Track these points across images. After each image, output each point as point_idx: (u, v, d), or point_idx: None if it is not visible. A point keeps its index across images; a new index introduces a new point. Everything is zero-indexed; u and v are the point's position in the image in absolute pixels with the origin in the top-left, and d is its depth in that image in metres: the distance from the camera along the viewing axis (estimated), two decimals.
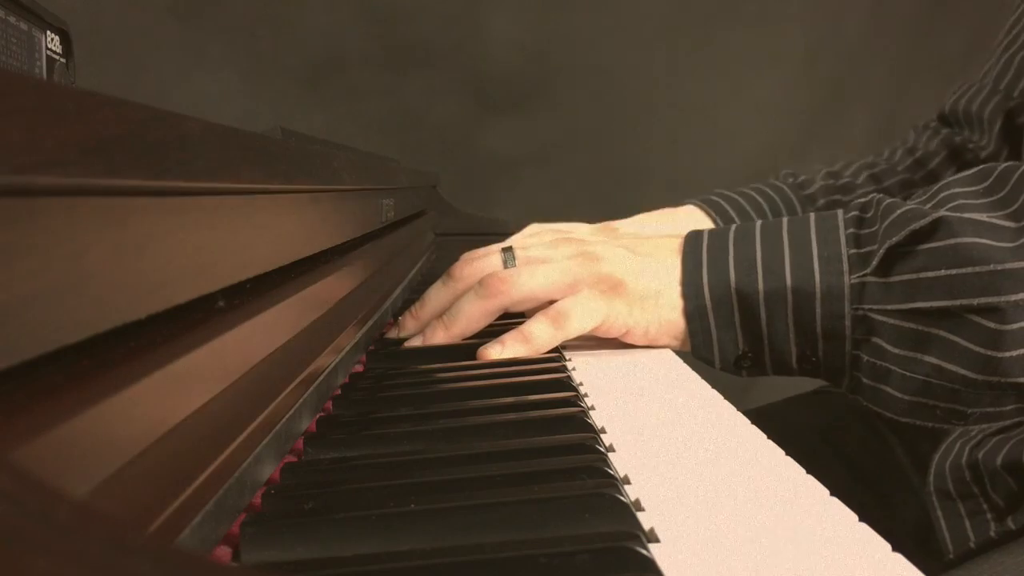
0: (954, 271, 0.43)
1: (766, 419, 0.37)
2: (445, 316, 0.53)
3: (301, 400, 0.36)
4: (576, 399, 0.39)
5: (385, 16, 1.67)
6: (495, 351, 0.50)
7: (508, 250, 0.54)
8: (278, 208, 0.37)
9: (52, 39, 0.50)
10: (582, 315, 0.50)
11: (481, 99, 1.71)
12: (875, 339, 0.47)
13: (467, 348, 0.52)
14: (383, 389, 0.44)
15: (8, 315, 0.16)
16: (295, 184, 0.39)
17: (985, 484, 0.60)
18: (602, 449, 0.32)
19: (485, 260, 0.54)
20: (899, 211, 0.46)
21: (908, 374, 0.46)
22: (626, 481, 0.30)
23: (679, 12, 1.68)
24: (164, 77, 1.59)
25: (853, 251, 0.47)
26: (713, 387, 0.43)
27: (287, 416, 0.33)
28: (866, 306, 0.46)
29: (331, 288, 0.45)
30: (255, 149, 0.33)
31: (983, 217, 0.45)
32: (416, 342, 0.53)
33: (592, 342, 0.55)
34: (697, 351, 0.52)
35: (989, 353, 0.44)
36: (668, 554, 0.24)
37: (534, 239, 0.58)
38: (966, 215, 0.45)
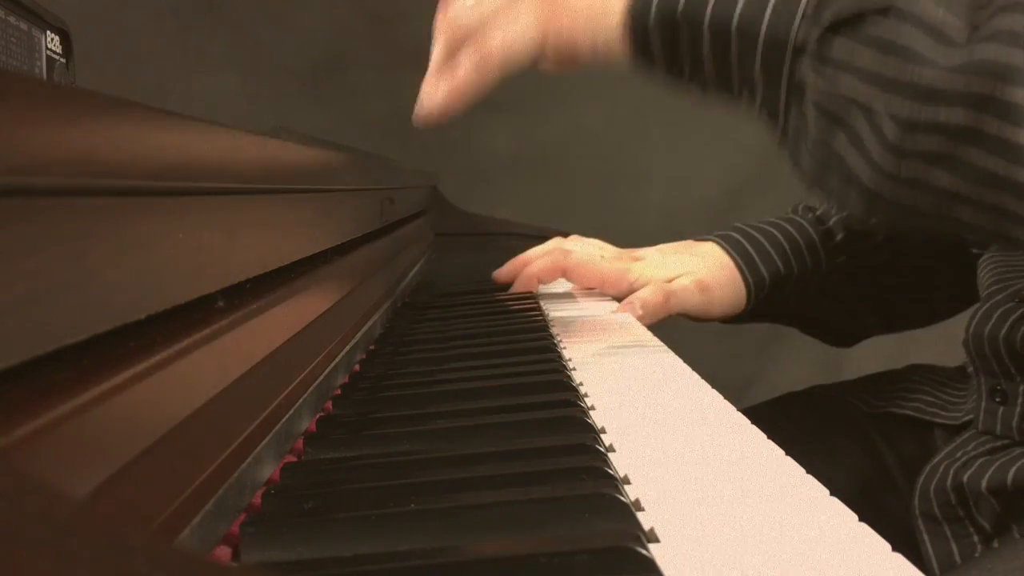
0: (882, 66, 0.41)
1: (753, 419, 0.37)
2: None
3: (301, 400, 0.36)
4: (576, 399, 0.39)
5: (385, 16, 1.67)
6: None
7: None
8: (278, 208, 0.37)
9: (52, 39, 0.50)
10: (514, 21, 0.51)
11: (481, 99, 1.71)
12: (805, 100, 0.45)
13: (467, 347, 0.52)
14: (383, 389, 0.44)
15: (8, 315, 0.16)
16: (295, 184, 0.39)
17: (971, 507, 0.60)
18: (602, 449, 0.32)
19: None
20: None
21: (817, 150, 0.45)
22: (626, 481, 0.30)
23: None
24: (164, 77, 1.59)
25: (811, 6, 0.44)
26: (713, 387, 0.43)
27: (287, 416, 0.33)
28: (803, 67, 0.44)
29: (331, 288, 0.45)
30: (255, 149, 0.33)
31: (938, 14, 0.42)
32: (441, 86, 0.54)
33: (592, 342, 0.55)
34: (635, 60, 0.51)
35: (881, 162, 0.42)
36: (668, 554, 0.24)
37: None
38: (920, 4, 0.42)
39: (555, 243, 0.78)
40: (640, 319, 0.65)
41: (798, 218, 0.77)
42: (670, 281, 0.70)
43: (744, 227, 0.76)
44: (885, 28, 0.42)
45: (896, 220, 0.58)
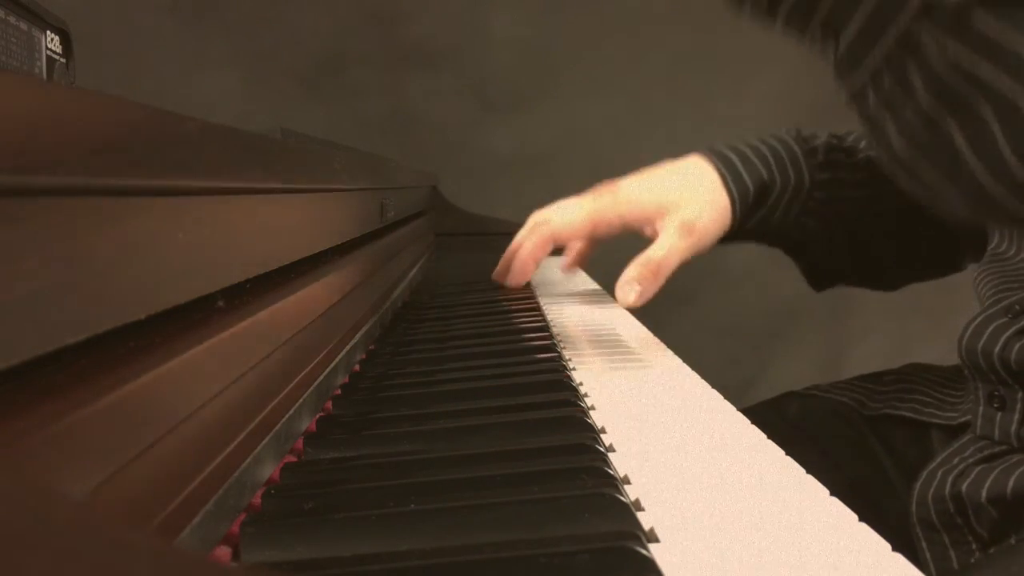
0: None
1: (752, 419, 0.37)
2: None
3: (301, 400, 0.36)
4: (576, 399, 0.39)
5: (385, 16, 1.67)
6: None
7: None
8: (278, 208, 0.37)
9: (52, 39, 0.50)
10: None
11: (481, 99, 1.71)
12: (911, 68, 0.36)
13: (467, 347, 0.52)
14: (383, 389, 0.44)
15: (8, 315, 0.16)
16: (295, 184, 0.39)
17: (969, 516, 0.60)
18: (602, 449, 0.32)
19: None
20: None
21: (921, 130, 0.37)
22: (626, 481, 0.30)
23: (679, 12, 1.68)
24: (164, 77, 1.59)
25: None
26: (713, 387, 0.43)
27: (287, 416, 0.33)
28: (925, 27, 0.35)
29: (331, 288, 0.45)
30: (255, 149, 0.33)
31: None
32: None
33: (592, 342, 0.55)
34: None
35: (1016, 171, 0.35)
36: (668, 554, 0.24)
37: None
38: None
39: (533, 220, 0.78)
40: (639, 298, 0.65)
41: (783, 134, 0.77)
42: (655, 233, 0.70)
43: (727, 144, 0.75)
44: None
45: (990, 220, 0.53)
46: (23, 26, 0.46)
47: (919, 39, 0.35)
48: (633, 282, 0.66)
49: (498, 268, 0.79)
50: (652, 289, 0.66)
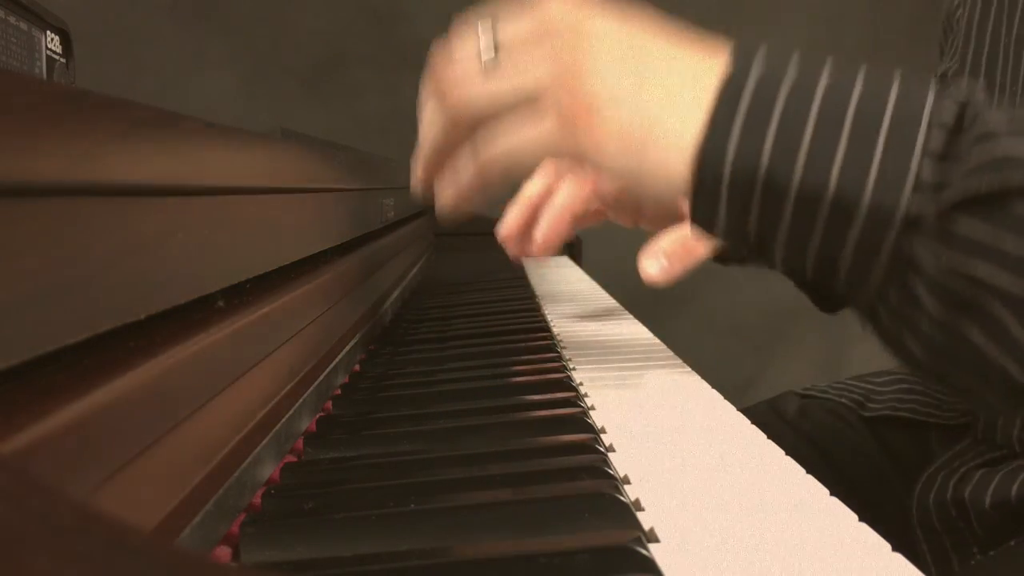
0: None
1: (752, 419, 0.37)
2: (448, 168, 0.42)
3: (301, 400, 0.36)
4: (576, 399, 0.39)
5: (385, 16, 1.67)
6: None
7: (490, 26, 0.40)
8: (278, 208, 0.37)
9: (52, 39, 0.50)
10: (514, 135, 0.39)
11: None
12: (912, 283, 0.37)
13: (467, 347, 0.52)
14: (383, 389, 0.43)
15: (8, 315, 0.16)
16: (295, 184, 0.39)
17: (971, 520, 0.59)
18: (602, 449, 0.32)
19: (462, 49, 0.41)
20: (1002, 149, 0.35)
21: (939, 338, 0.37)
22: (626, 481, 0.30)
23: (679, 12, 1.68)
24: (164, 77, 1.59)
25: (927, 167, 0.35)
26: (713, 387, 0.43)
27: (287, 416, 0.33)
28: (916, 244, 0.36)
29: (331, 288, 0.45)
30: (255, 149, 0.33)
31: None
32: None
33: (593, 342, 0.55)
34: (694, 218, 0.39)
35: None
36: (668, 554, 0.24)
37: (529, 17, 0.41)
38: None
39: (527, 196, 0.59)
40: (663, 275, 0.55)
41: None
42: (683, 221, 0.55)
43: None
44: None
45: None
46: (23, 26, 0.46)
47: (912, 252, 0.36)
48: (660, 254, 0.56)
49: (507, 223, 0.59)
50: (679, 269, 0.57)
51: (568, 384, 0.41)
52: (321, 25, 1.66)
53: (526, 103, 0.39)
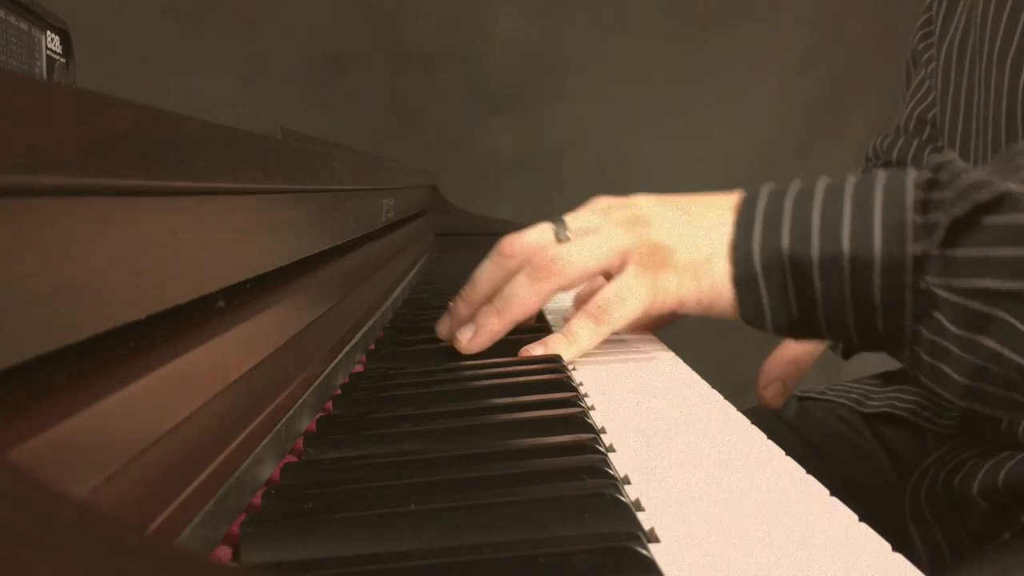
0: (1020, 251, 0.39)
1: (752, 419, 0.37)
2: (497, 301, 0.50)
3: (301, 400, 0.36)
4: (576, 399, 0.39)
5: (385, 16, 1.67)
6: (537, 352, 0.49)
7: (559, 221, 0.51)
8: (278, 208, 0.37)
9: (52, 39, 0.50)
10: (624, 304, 0.48)
11: (481, 99, 1.71)
12: (936, 314, 0.42)
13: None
14: (383, 389, 0.43)
15: (8, 315, 0.16)
16: (295, 184, 0.39)
17: (963, 512, 0.60)
18: (602, 449, 0.32)
19: (535, 232, 0.51)
20: (967, 180, 0.42)
21: (966, 356, 0.42)
22: (626, 481, 0.30)
23: (679, 12, 1.68)
24: (164, 77, 1.59)
25: (919, 218, 0.42)
26: (713, 387, 0.43)
27: (287, 416, 0.33)
28: (928, 279, 0.42)
29: (331, 288, 0.45)
30: (255, 149, 0.33)
31: None
32: (468, 332, 0.51)
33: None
34: (747, 317, 0.48)
35: None
36: (668, 554, 0.24)
37: (586, 208, 0.53)
38: None
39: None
40: (787, 393, 0.65)
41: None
42: None
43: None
44: (1007, 217, 0.40)
45: None
46: (23, 26, 0.46)
47: (928, 287, 0.42)
48: (778, 383, 0.65)
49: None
50: (792, 387, 0.66)
51: (568, 384, 0.41)
52: (321, 25, 1.66)
53: (619, 288, 0.49)
